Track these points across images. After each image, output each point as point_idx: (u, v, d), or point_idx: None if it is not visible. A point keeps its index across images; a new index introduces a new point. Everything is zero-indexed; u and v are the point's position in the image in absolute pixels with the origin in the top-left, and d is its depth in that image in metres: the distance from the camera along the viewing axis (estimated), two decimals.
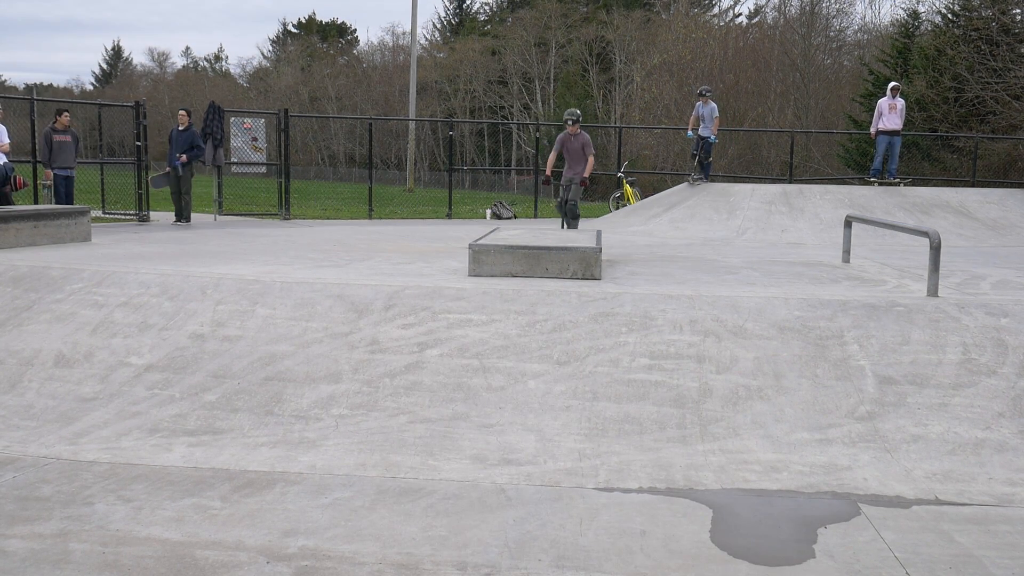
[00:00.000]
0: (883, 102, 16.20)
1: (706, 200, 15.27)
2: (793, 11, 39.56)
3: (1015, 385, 5.71)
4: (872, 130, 16.45)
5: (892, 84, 16.61)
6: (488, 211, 21.07)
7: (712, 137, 15.97)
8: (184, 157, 15.13)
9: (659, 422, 5.43)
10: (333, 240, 11.98)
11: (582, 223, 12.64)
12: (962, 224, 13.95)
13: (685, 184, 16.56)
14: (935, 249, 6.88)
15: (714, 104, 16.07)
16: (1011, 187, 18.97)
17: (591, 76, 45.60)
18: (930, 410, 5.51)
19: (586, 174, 11.94)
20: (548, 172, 12.41)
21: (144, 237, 12.07)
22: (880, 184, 16.12)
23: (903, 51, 28.70)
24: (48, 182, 13.99)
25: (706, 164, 16.25)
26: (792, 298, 6.81)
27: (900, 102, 16.01)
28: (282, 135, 17.95)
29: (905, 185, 16.03)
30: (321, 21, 74.54)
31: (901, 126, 15.92)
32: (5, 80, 75.33)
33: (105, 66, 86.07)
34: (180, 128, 15.31)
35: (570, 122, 11.92)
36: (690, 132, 16.15)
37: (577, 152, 12.12)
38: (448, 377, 5.84)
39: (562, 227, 12.43)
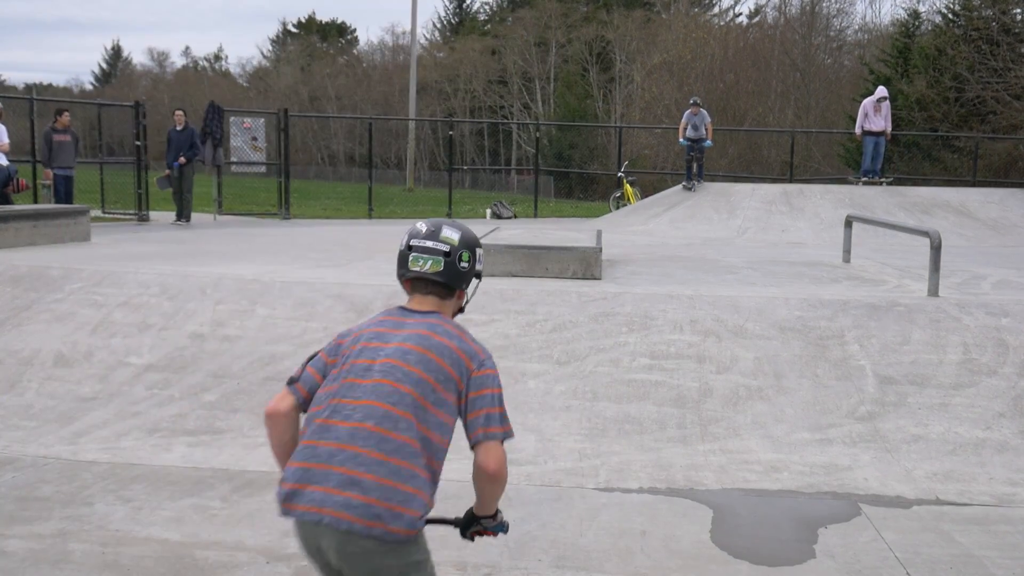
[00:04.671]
0: (868, 102, 16.03)
1: (706, 200, 15.26)
2: (793, 11, 39.55)
3: (1016, 385, 5.70)
4: (857, 130, 16.28)
5: (882, 95, 16.17)
6: (488, 211, 21.05)
7: (708, 141, 16.00)
8: (184, 159, 15.13)
9: (659, 422, 5.42)
10: (333, 240, 11.97)
11: (581, 223, 12.43)
12: (963, 224, 13.94)
13: (679, 188, 16.57)
14: (935, 249, 6.87)
15: (705, 112, 16.10)
16: (1011, 187, 18.91)
17: (591, 76, 45.59)
18: (930, 410, 5.50)
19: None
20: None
21: (143, 237, 12.06)
22: (865, 184, 16.07)
23: (903, 51, 28.66)
24: (48, 182, 13.97)
25: (700, 166, 16.27)
26: (792, 298, 6.80)
27: (885, 105, 15.90)
28: (282, 135, 17.94)
29: (892, 184, 15.97)
30: (321, 21, 74.49)
31: (886, 127, 15.81)
32: (4, 80, 75.18)
33: (105, 66, 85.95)
34: (178, 128, 15.31)
35: None
36: (682, 139, 16.13)
37: None
38: None
39: None
